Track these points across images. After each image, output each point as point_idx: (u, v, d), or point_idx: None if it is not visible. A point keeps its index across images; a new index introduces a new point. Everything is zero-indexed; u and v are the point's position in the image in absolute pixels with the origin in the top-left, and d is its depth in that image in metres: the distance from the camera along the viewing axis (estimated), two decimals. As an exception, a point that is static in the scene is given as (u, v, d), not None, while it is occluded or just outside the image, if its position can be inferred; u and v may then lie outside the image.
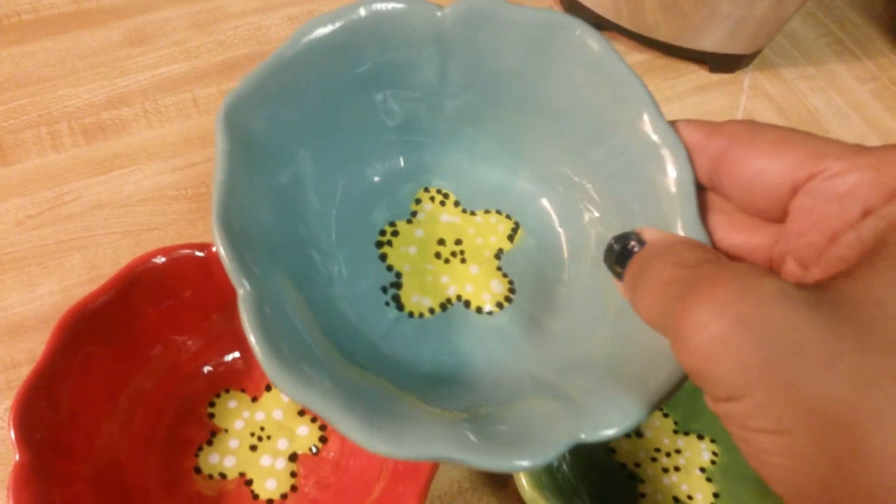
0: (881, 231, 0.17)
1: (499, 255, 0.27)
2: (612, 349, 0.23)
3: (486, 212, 0.28)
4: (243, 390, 0.33)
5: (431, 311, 0.26)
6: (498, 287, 0.27)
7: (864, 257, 0.17)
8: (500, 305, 0.26)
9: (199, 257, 0.31)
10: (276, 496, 0.31)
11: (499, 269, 0.27)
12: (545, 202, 0.28)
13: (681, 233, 0.22)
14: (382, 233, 0.27)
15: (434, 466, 0.28)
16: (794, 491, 0.15)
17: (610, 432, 0.20)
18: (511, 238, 0.28)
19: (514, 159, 0.28)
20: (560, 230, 0.28)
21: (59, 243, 0.38)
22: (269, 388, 0.34)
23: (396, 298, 0.26)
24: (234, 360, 0.34)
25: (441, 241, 0.27)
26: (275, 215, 0.23)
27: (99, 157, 0.42)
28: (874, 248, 0.17)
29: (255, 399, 0.33)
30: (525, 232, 0.28)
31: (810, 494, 0.15)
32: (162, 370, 0.32)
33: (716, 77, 0.51)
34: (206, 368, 0.33)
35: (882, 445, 0.14)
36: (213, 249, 0.31)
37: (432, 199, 0.28)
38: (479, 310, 0.26)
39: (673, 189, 0.23)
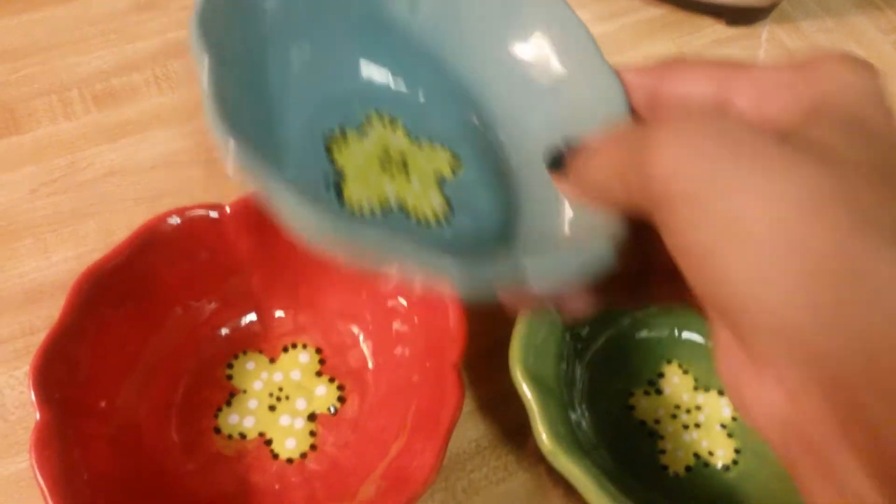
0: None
1: (441, 181, 0.28)
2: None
3: (432, 143, 0.29)
4: (261, 351, 0.33)
5: (372, 211, 0.26)
6: (438, 202, 0.28)
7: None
8: (438, 223, 0.27)
9: (213, 218, 0.31)
10: (295, 455, 0.31)
11: (440, 190, 0.28)
12: (491, 140, 0.29)
13: None
14: (332, 134, 0.28)
15: (453, 422, 0.27)
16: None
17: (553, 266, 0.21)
18: (453, 168, 0.29)
19: (465, 100, 0.29)
20: (501, 164, 0.29)
21: (74, 210, 0.38)
22: (286, 350, 0.34)
23: (338, 192, 0.26)
24: (251, 322, 0.34)
25: (387, 158, 0.29)
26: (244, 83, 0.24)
27: (110, 125, 0.41)
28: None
29: (272, 360, 0.33)
30: (466, 166, 0.29)
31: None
32: (179, 333, 0.32)
33: (732, 31, 0.50)
34: (223, 331, 0.33)
35: None
36: (227, 210, 0.31)
37: (382, 122, 0.29)
38: (417, 220, 0.27)
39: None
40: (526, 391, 0.29)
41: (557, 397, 0.32)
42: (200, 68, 0.22)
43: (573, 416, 0.33)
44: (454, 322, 0.30)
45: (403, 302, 0.32)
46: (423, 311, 0.31)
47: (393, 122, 0.30)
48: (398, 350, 0.32)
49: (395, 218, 0.27)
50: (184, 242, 0.31)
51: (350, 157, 0.28)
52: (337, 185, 0.26)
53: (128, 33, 0.45)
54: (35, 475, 0.25)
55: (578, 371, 0.35)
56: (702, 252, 0.16)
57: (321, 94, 0.28)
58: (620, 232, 0.21)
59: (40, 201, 0.38)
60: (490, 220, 0.28)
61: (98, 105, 0.42)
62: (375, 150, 0.28)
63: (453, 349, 0.29)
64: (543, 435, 0.28)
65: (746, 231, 0.15)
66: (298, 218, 0.19)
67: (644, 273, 0.24)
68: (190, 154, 0.41)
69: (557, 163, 0.23)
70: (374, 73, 0.30)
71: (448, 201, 0.28)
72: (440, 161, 0.29)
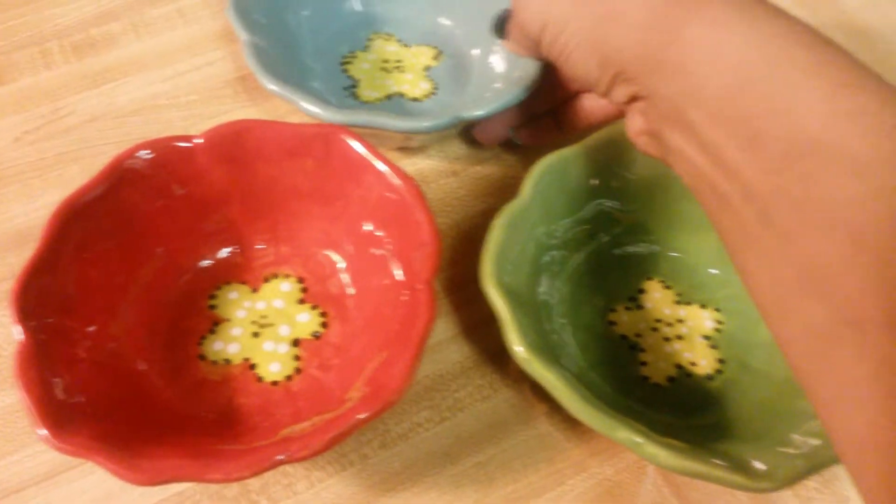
0: None
1: (427, 69, 0.43)
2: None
3: (420, 45, 0.44)
4: (244, 282, 0.34)
5: (378, 100, 0.41)
6: (426, 86, 0.42)
7: None
8: (427, 97, 0.42)
9: (184, 148, 0.31)
10: (280, 378, 0.32)
11: (427, 76, 0.43)
12: (461, 36, 0.44)
13: None
14: (345, 57, 0.43)
15: (425, 332, 0.28)
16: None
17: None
18: (436, 58, 0.43)
19: (437, 9, 0.44)
20: (469, 50, 0.43)
21: (58, 156, 0.39)
22: (267, 280, 0.34)
23: (354, 94, 0.41)
24: (233, 253, 0.34)
25: (386, 61, 0.43)
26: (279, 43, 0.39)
27: (90, 72, 0.42)
28: None
29: (255, 290, 0.34)
30: (445, 55, 0.44)
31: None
32: (162, 266, 0.33)
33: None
34: (205, 263, 0.34)
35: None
36: (198, 141, 0.31)
37: (381, 38, 0.44)
38: (412, 99, 0.42)
39: None
40: (496, 300, 0.29)
41: (531, 308, 0.32)
42: (243, 43, 0.36)
43: (552, 328, 0.34)
44: (427, 241, 0.30)
45: (378, 230, 0.33)
46: (397, 234, 0.32)
47: (388, 36, 0.44)
48: (376, 275, 0.33)
49: (395, 102, 0.41)
50: (158, 176, 0.31)
51: (359, 68, 0.43)
52: (352, 89, 0.41)
53: (104, -17, 0.45)
54: (22, 396, 0.25)
55: (558, 285, 0.35)
56: (562, 51, 0.30)
57: (332, 31, 0.43)
58: (532, 78, 0.35)
59: (24, 149, 0.39)
60: (458, 90, 0.42)
61: (78, 54, 0.42)
62: (377, 60, 0.43)
63: (427, 267, 0.30)
64: (515, 342, 0.29)
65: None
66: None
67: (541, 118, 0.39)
68: (168, 98, 0.41)
69: (500, 27, 0.38)
70: (368, 5, 0.44)
71: (434, 83, 0.42)
72: (426, 56, 0.44)
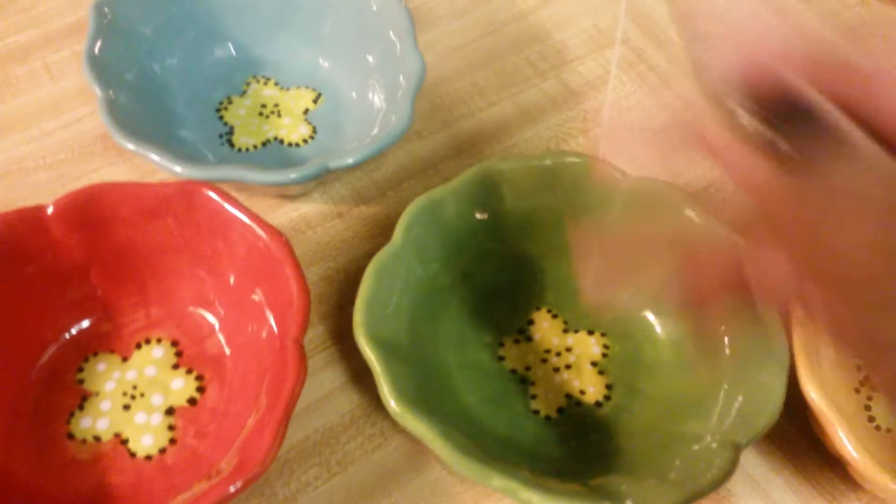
0: None
1: (306, 112, 0.42)
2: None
3: (299, 87, 0.43)
4: (112, 351, 0.33)
5: (255, 147, 0.40)
6: (305, 130, 0.41)
7: None
8: (305, 141, 0.41)
9: (35, 219, 0.30)
10: (154, 451, 0.31)
11: (306, 120, 0.41)
12: (340, 77, 0.42)
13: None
14: (221, 103, 0.41)
15: (294, 394, 0.27)
16: None
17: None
18: (315, 101, 0.42)
19: (315, 51, 0.43)
20: (350, 92, 0.42)
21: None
22: (139, 346, 0.33)
23: (230, 142, 0.40)
24: (99, 322, 0.33)
25: (263, 105, 0.42)
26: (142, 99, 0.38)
27: (-50, 138, 0.40)
28: None
29: (125, 359, 0.33)
30: (326, 98, 0.42)
31: None
32: (23, 343, 0.31)
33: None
34: (68, 335, 0.32)
35: None
36: (49, 210, 0.30)
37: (258, 81, 0.43)
38: (289, 144, 0.41)
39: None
40: (367, 352, 0.29)
41: (412, 355, 0.31)
42: (97, 100, 0.34)
43: (439, 372, 0.33)
44: (296, 297, 0.29)
45: (249, 286, 0.32)
46: (267, 288, 0.31)
47: (266, 80, 0.43)
48: (252, 332, 0.32)
49: (272, 148, 0.40)
50: (8, 251, 0.30)
51: (236, 114, 0.41)
52: (228, 136, 0.40)
53: (-38, 42, 0.43)
54: None
55: (443, 327, 0.34)
56: None
57: (206, 77, 0.42)
58: (405, 122, 0.35)
59: None
60: (338, 133, 0.41)
61: (-64, 119, 0.41)
62: (254, 105, 0.42)
63: (295, 324, 0.29)
64: (387, 396, 0.28)
65: None
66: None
67: None
68: (36, 159, 0.40)
69: None
70: (243, 49, 0.43)
71: (314, 127, 0.41)
72: (305, 99, 0.42)
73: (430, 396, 0.30)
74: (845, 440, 0.27)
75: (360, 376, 0.35)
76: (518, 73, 0.45)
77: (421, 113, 0.43)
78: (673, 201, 0.33)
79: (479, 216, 0.35)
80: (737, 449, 0.27)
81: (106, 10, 0.38)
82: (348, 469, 0.32)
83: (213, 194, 0.31)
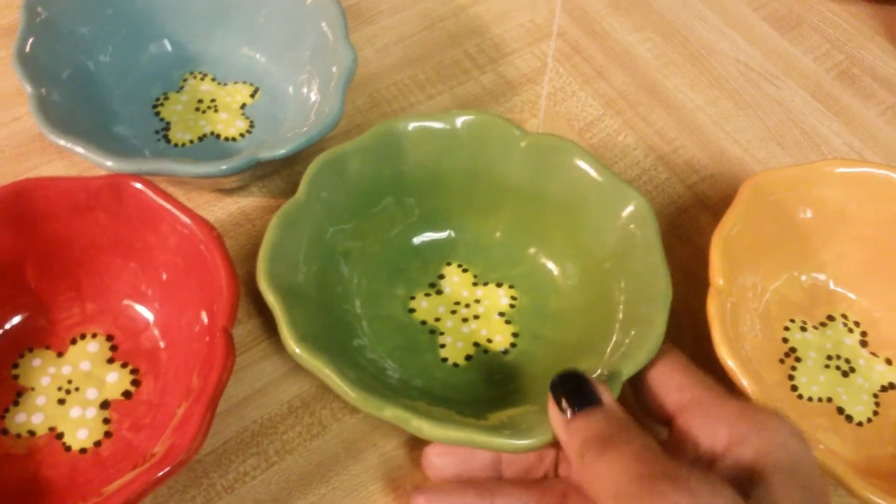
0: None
1: (243, 107, 0.42)
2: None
3: (236, 82, 0.43)
4: (48, 347, 0.33)
5: (191, 142, 0.41)
6: (241, 124, 0.42)
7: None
8: (242, 136, 0.41)
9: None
10: (88, 444, 0.31)
11: (243, 115, 0.42)
12: (276, 71, 0.43)
13: None
14: (157, 99, 0.42)
15: (220, 383, 0.27)
16: None
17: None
18: (253, 96, 0.43)
19: (252, 46, 0.43)
20: (286, 87, 0.42)
21: None
22: (74, 342, 0.33)
23: (166, 137, 0.40)
24: (34, 317, 0.33)
25: (200, 101, 0.42)
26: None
27: None
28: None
29: (60, 354, 0.33)
30: (263, 93, 0.43)
31: None
32: (-45, 340, 0.31)
33: None
34: (2, 330, 0.32)
35: None
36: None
37: (196, 77, 0.43)
38: (226, 139, 0.41)
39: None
40: (268, 295, 0.30)
41: (318, 307, 0.32)
42: (28, 96, 0.34)
43: (350, 323, 0.34)
44: (225, 286, 0.30)
45: (181, 279, 0.32)
46: (198, 281, 0.31)
47: (204, 75, 0.43)
48: (185, 324, 0.32)
49: (208, 143, 0.41)
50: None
51: (172, 110, 0.41)
52: (164, 132, 0.40)
53: None
54: None
55: (355, 281, 0.35)
56: None
57: (142, 73, 0.42)
58: (336, 114, 0.36)
59: None
60: (275, 127, 0.41)
61: None
62: (191, 101, 0.42)
63: (223, 314, 0.29)
64: (286, 336, 0.29)
65: None
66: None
67: None
68: (-29, 160, 0.39)
69: (562, 394, 0.27)
70: (179, 46, 0.43)
71: (251, 121, 0.42)
72: (242, 94, 0.43)
73: (333, 343, 0.31)
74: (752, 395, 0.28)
75: (299, 367, 0.35)
76: (457, 66, 0.46)
77: (361, 106, 0.44)
78: (568, 154, 0.35)
79: (386, 173, 0.36)
80: (621, 378, 0.28)
81: (39, 9, 0.38)
82: (286, 458, 0.33)
83: (141, 186, 0.31)
